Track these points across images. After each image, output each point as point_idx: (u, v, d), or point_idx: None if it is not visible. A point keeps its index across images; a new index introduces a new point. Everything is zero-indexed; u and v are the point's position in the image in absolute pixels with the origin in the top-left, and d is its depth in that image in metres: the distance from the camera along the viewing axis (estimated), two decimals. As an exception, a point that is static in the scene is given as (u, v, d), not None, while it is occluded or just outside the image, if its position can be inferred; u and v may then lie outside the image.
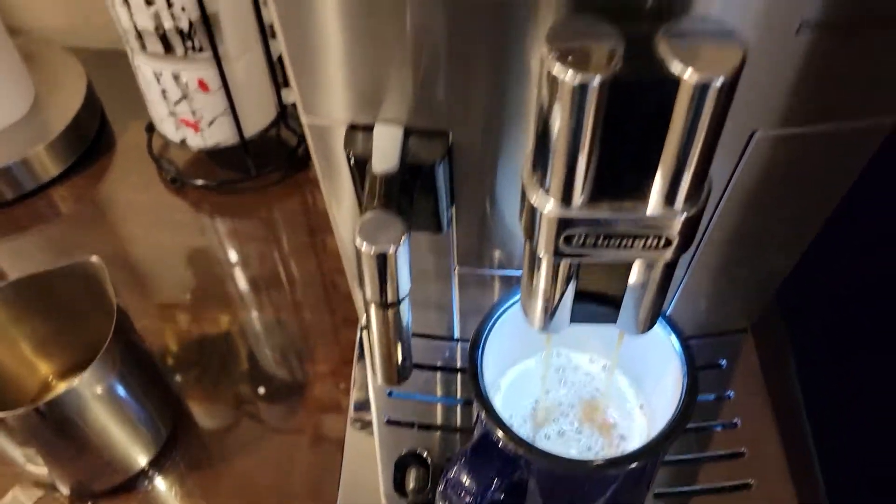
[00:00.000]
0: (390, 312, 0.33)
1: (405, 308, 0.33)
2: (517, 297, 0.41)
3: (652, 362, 0.42)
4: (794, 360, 0.57)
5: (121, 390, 0.47)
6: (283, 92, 0.66)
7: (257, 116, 0.65)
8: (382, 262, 0.30)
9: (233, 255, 0.65)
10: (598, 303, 0.34)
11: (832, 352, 0.55)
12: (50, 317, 0.50)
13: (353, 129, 0.34)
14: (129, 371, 0.47)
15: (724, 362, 0.52)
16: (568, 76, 0.24)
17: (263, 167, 0.68)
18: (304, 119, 0.34)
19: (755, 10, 0.27)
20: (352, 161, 0.33)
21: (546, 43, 0.24)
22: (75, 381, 0.43)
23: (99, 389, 0.45)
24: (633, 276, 0.32)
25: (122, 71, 0.66)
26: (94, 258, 0.46)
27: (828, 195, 0.38)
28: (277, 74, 0.64)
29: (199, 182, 0.68)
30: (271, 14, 0.29)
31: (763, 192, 0.37)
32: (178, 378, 0.57)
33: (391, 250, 0.29)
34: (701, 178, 0.27)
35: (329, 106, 0.33)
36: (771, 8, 0.27)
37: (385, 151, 0.32)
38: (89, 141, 0.73)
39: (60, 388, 0.49)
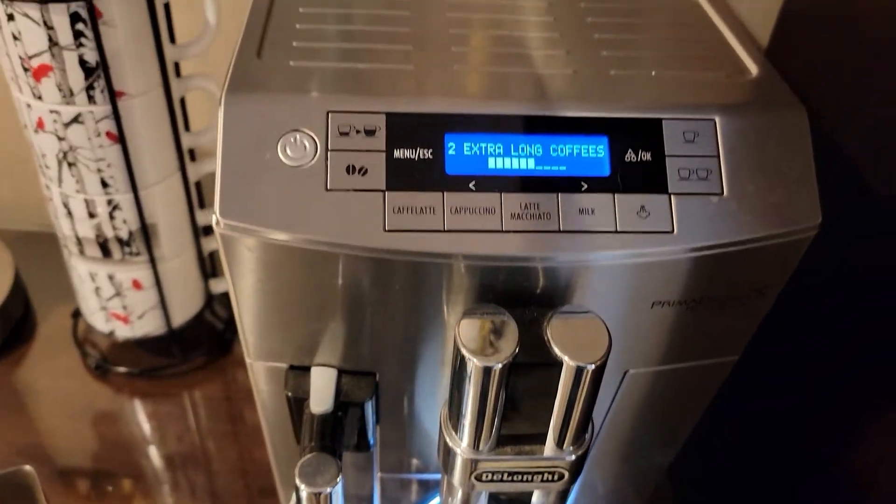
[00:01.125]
0: (323, 536, 0.37)
1: (336, 530, 0.37)
2: (434, 499, 0.46)
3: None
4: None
5: None
6: (211, 282, 0.70)
7: (186, 306, 0.69)
8: (318, 499, 0.34)
9: (152, 439, 0.67)
10: (506, 520, 0.39)
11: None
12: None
13: (292, 369, 0.39)
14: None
15: (621, 545, 0.57)
16: (476, 360, 0.30)
17: (189, 352, 0.71)
18: (248, 359, 0.39)
19: (618, 295, 0.34)
20: (291, 401, 0.38)
21: (458, 329, 0.31)
22: None
23: None
24: (534, 499, 0.37)
25: (51, 254, 0.68)
26: (27, 467, 0.48)
27: (693, 411, 0.46)
28: (207, 267, 0.69)
29: (123, 369, 0.70)
30: (207, 218, 0.34)
31: (638, 413, 0.44)
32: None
33: (327, 490, 0.34)
34: (584, 427, 0.34)
35: (272, 352, 0.38)
36: (631, 293, 0.34)
37: (321, 394, 0.37)
38: (12, 326, 0.74)
39: None
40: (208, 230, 0.67)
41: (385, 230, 0.31)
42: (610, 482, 0.54)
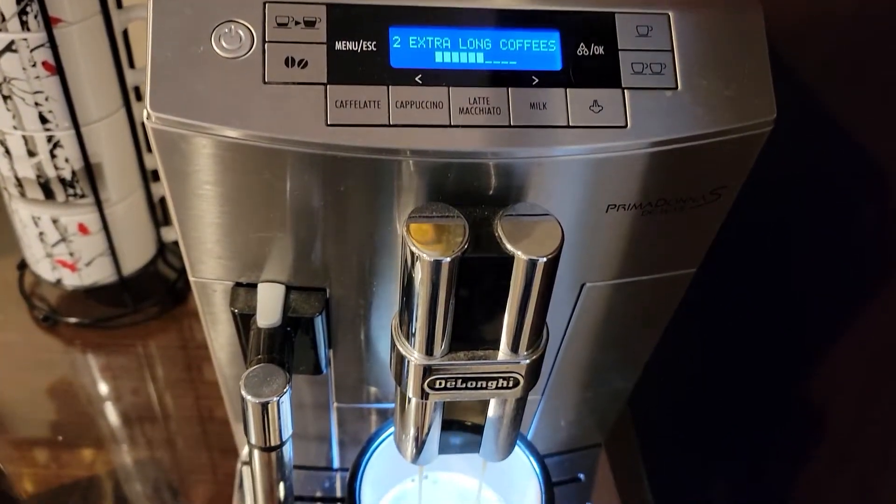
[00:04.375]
0: (273, 455, 0.35)
1: (287, 449, 0.36)
2: (390, 428, 0.45)
3: (516, 480, 0.46)
4: (646, 469, 0.63)
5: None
6: (163, 230, 0.68)
7: (137, 254, 0.67)
8: (266, 410, 0.33)
9: (106, 393, 0.65)
10: (462, 436, 0.39)
11: (682, 459, 0.61)
12: None
13: (237, 286, 0.37)
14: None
15: (582, 476, 0.57)
16: (425, 254, 0.29)
17: (142, 302, 0.69)
18: (191, 277, 0.37)
19: (573, 196, 0.34)
20: (237, 317, 0.36)
21: (406, 225, 0.30)
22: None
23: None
24: (490, 412, 0.37)
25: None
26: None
27: (652, 328, 0.45)
28: (157, 213, 0.67)
29: (73, 320, 0.68)
30: (155, 161, 0.32)
31: (597, 330, 0.43)
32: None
33: (274, 400, 0.32)
34: (538, 329, 0.33)
35: (215, 268, 0.36)
36: (586, 194, 0.34)
37: (268, 307, 0.36)
38: (-46, 279, 0.71)
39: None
40: (158, 175, 0.64)
41: (327, 124, 0.30)
42: (571, 413, 0.53)
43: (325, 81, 0.30)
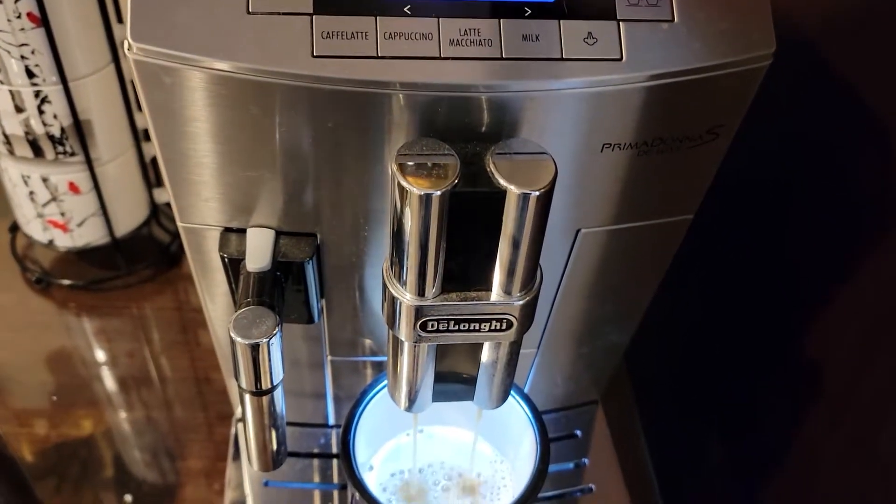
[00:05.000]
0: (264, 400, 0.35)
1: (279, 395, 0.36)
2: (383, 381, 0.45)
3: (512, 432, 0.46)
4: (643, 427, 0.63)
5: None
6: (156, 191, 0.68)
7: (129, 216, 0.66)
8: (256, 352, 0.32)
9: (100, 355, 0.64)
10: (456, 382, 0.38)
11: (679, 416, 0.61)
12: None
13: (227, 231, 0.37)
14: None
15: (579, 432, 0.57)
16: (415, 188, 0.28)
17: (135, 264, 0.69)
18: (179, 223, 0.37)
19: (567, 133, 0.33)
20: (226, 262, 0.36)
21: (395, 160, 0.29)
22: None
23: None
24: (484, 356, 0.36)
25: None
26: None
27: (649, 278, 0.45)
28: (150, 174, 0.66)
29: (66, 282, 0.67)
30: (146, 120, 0.32)
31: (593, 279, 0.42)
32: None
33: (263, 342, 0.32)
34: (532, 269, 0.32)
35: (204, 213, 0.36)
36: (580, 133, 0.33)
37: (258, 251, 0.35)
38: (-55, 243, 0.71)
39: None
40: (149, 135, 0.63)
41: (313, 56, 0.29)
42: (567, 368, 0.53)
43: (311, 11, 0.29)
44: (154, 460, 0.58)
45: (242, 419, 0.37)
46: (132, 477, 0.56)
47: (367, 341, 0.46)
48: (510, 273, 0.32)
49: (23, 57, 0.52)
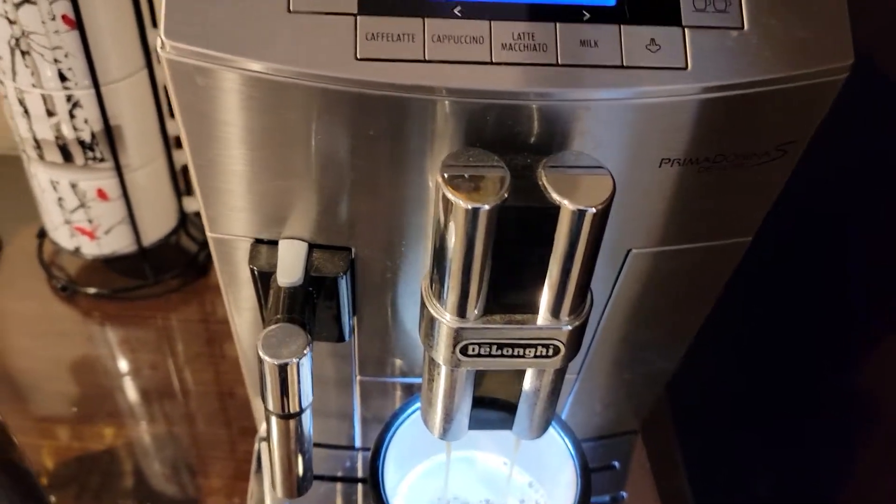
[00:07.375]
0: (292, 423, 0.33)
1: (307, 419, 0.34)
2: (416, 404, 0.43)
3: (549, 463, 0.43)
4: (683, 459, 0.60)
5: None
6: (185, 200, 0.66)
7: (158, 224, 0.65)
8: (284, 373, 0.30)
9: (123, 366, 0.63)
10: (494, 410, 0.36)
11: (721, 449, 0.58)
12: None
13: (257, 242, 0.35)
14: (5, 493, 0.43)
15: (616, 464, 0.54)
16: (461, 202, 0.26)
17: (162, 274, 0.67)
18: (209, 233, 0.35)
19: (624, 147, 0.30)
20: (256, 275, 0.34)
21: (441, 171, 0.27)
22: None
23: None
24: (527, 384, 0.34)
25: (14, 175, 0.64)
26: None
27: (699, 304, 0.42)
28: (180, 183, 0.65)
29: (91, 290, 0.66)
30: (177, 126, 0.30)
31: (641, 303, 0.40)
32: (52, 499, 0.53)
33: (293, 362, 0.30)
34: (583, 292, 0.30)
35: (234, 223, 0.34)
36: (637, 146, 0.30)
37: (290, 265, 0.33)
38: (-26, 248, 0.70)
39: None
40: (180, 142, 0.62)
41: (356, 58, 0.27)
42: (607, 396, 0.50)
43: (356, 12, 0.28)
44: (174, 475, 0.56)
45: (267, 440, 0.35)
46: (152, 491, 0.55)
47: (399, 361, 0.43)
48: (559, 295, 0.29)
49: (56, 60, 0.51)
